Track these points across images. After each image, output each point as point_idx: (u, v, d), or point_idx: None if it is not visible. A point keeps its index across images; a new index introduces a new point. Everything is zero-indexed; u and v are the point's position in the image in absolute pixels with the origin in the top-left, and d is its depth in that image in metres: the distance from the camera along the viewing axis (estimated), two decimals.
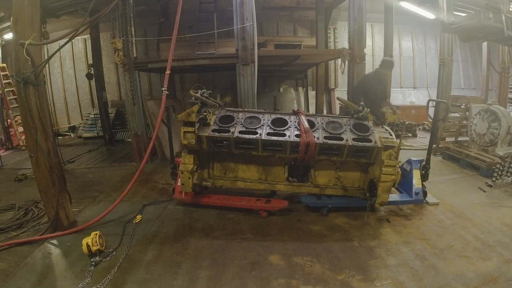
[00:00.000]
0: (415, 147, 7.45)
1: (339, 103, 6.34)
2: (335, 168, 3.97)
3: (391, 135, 3.64)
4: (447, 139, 6.57)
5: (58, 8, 6.28)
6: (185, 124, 3.68)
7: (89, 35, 9.01)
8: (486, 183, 4.76)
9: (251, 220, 3.87)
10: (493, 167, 4.86)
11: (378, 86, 5.16)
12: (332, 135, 3.65)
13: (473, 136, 5.74)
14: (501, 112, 5.28)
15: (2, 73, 8.76)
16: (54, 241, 3.45)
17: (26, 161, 6.94)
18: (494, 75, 8.96)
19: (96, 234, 3.18)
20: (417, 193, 4.06)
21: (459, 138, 6.36)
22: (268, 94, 10.61)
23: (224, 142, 3.81)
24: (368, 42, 10.74)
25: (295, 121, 3.85)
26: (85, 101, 11.39)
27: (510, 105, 8.36)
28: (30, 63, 3.21)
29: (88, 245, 3.06)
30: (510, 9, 5.29)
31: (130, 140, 7.69)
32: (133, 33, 6.08)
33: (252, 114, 3.99)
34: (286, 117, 3.92)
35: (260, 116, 3.94)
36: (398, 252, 3.12)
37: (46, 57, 3.72)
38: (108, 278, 2.76)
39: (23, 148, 8.33)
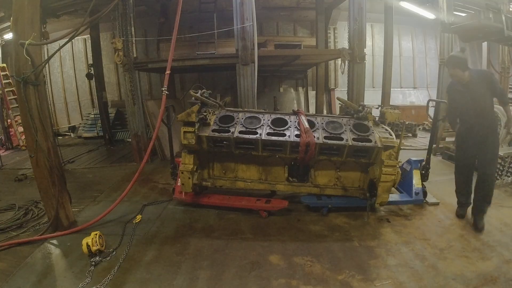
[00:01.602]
0: (415, 147, 7.45)
1: (339, 103, 6.33)
2: (335, 168, 3.97)
3: (391, 135, 3.64)
4: (447, 139, 6.57)
5: (58, 8, 6.29)
6: (185, 124, 3.68)
7: (89, 35, 9.03)
8: None
9: (251, 220, 3.87)
10: None
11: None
12: (332, 135, 3.65)
13: None
14: (501, 112, 5.27)
15: (2, 73, 8.76)
16: (54, 241, 3.46)
17: (26, 161, 6.94)
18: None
19: (96, 234, 3.18)
20: (417, 193, 4.06)
21: None
22: (268, 94, 10.61)
23: (224, 142, 3.81)
24: (368, 42, 10.74)
25: (295, 121, 3.85)
26: (85, 101, 11.40)
27: (510, 105, 8.36)
28: (30, 63, 3.20)
29: (88, 245, 3.06)
30: (510, 9, 5.29)
31: (130, 140, 7.70)
32: (133, 33, 6.09)
33: (252, 114, 3.99)
34: (286, 117, 3.92)
35: (260, 116, 3.94)
36: (398, 252, 3.12)
37: (46, 57, 3.72)
38: (108, 278, 2.76)
39: (23, 148, 8.33)
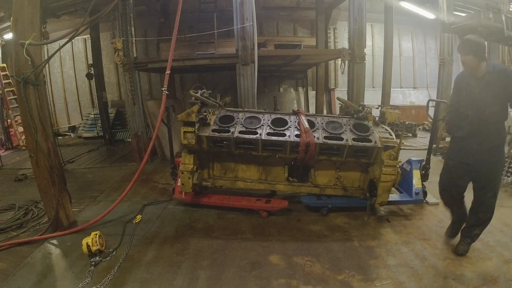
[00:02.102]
0: (415, 147, 7.45)
1: (339, 103, 6.34)
2: (335, 168, 3.97)
3: (391, 135, 3.64)
4: (447, 139, 6.57)
5: (58, 8, 6.30)
6: (185, 124, 3.68)
7: (89, 35, 9.03)
8: None
9: (251, 220, 3.87)
10: None
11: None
12: (332, 135, 3.65)
13: None
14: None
15: (2, 73, 8.76)
16: (54, 241, 3.45)
17: (26, 161, 6.94)
18: None
19: (96, 234, 3.18)
20: (417, 193, 4.05)
21: None
22: (268, 94, 10.62)
23: (224, 142, 3.81)
24: (368, 42, 10.75)
25: (295, 121, 3.85)
26: (85, 101, 11.41)
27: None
28: (30, 63, 3.20)
29: (88, 245, 3.06)
30: (510, 9, 5.29)
31: (130, 140, 7.71)
32: (133, 33, 6.09)
33: (252, 114, 3.99)
34: (286, 117, 3.92)
35: (260, 116, 3.94)
36: (398, 252, 3.12)
37: (46, 57, 3.72)
38: (108, 278, 2.76)
39: (23, 148, 8.33)
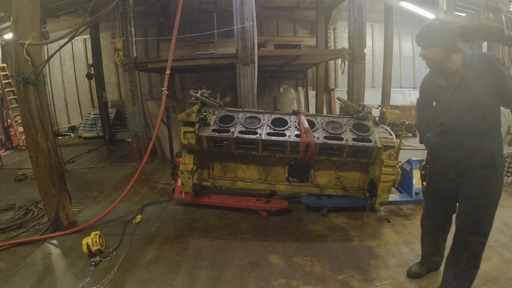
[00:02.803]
0: (415, 147, 7.45)
1: (339, 103, 6.33)
2: (335, 168, 3.97)
3: (391, 135, 3.63)
4: None
5: (58, 8, 6.29)
6: (185, 124, 3.68)
7: (89, 35, 9.03)
8: None
9: (251, 220, 3.87)
10: None
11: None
12: (332, 135, 3.65)
13: None
14: (501, 112, 5.27)
15: (2, 73, 8.77)
16: (54, 241, 3.46)
17: (26, 161, 6.94)
18: None
19: (96, 234, 3.18)
20: (417, 193, 4.05)
21: None
22: (268, 94, 10.62)
23: (224, 142, 3.81)
24: (368, 42, 10.75)
25: (295, 121, 3.85)
26: (85, 101, 11.41)
27: None
28: (30, 63, 3.21)
29: (88, 245, 3.06)
30: (510, 9, 5.30)
31: (130, 140, 7.71)
32: (133, 33, 6.09)
33: (252, 114, 3.99)
34: (286, 117, 3.92)
35: (260, 116, 3.94)
36: (398, 252, 3.12)
37: (46, 57, 3.72)
38: (108, 278, 2.76)
39: (23, 148, 8.33)
